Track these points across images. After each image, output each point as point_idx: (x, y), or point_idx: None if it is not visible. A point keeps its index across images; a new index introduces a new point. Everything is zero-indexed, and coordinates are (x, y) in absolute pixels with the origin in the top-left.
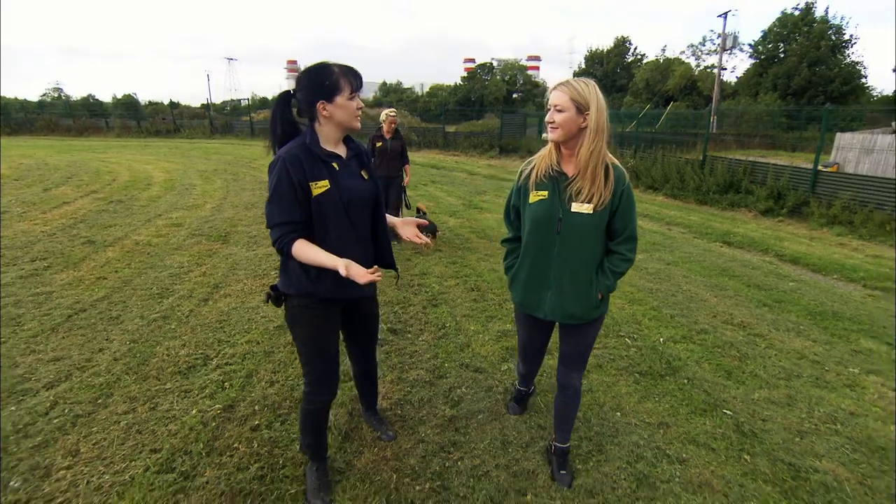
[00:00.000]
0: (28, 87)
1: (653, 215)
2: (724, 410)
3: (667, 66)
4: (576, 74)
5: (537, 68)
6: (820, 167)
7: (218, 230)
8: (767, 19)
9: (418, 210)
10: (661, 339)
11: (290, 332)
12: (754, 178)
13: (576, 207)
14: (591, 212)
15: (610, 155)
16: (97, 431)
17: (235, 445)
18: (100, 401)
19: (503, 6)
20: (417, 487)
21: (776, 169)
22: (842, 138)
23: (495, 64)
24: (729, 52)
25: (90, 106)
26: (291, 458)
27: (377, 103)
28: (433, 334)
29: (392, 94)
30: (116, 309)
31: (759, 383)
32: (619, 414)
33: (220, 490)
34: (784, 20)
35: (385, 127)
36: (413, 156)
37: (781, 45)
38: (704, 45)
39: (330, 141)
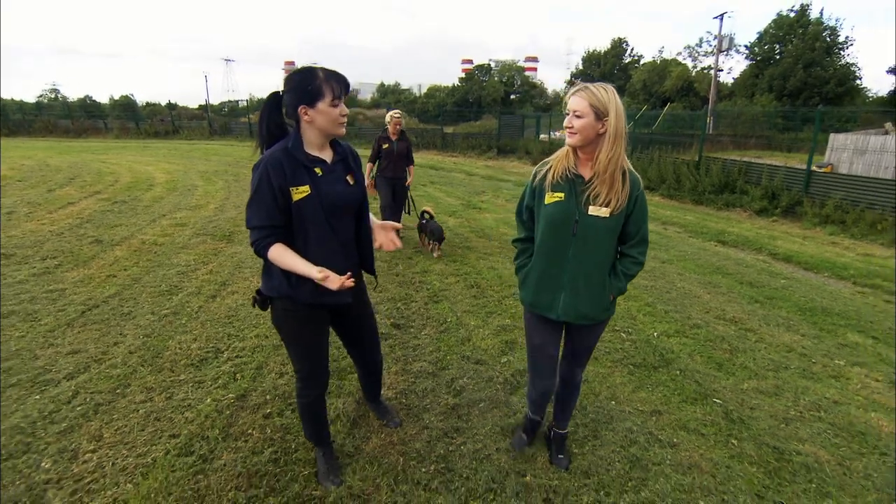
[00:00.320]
0: (24, 88)
1: (649, 215)
2: (715, 399)
3: (664, 68)
4: (573, 75)
5: (535, 69)
6: (814, 167)
7: (222, 230)
8: (763, 21)
9: (424, 213)
10: (655, 334)
11: (278, 332)
12: (749, 178)
13: (593, 211)
14: (608, 215)
15: (626, 159)
16: (118, 418)
17: (249, 431)
18: (118, 390)
19: (501, 6)
20: (423, 469)
21: (770, 169)
22: (836, 139)
23: (493, 65)
24: (725, 53)
25: (88, 107)
26: (303, 443)
27: (375, 104)
28: (435, 329)
29: (390, 94)
30: (128, 305)
31: (748, 374)
32: (613, 402)
33: (237, 471)
34: (779, 22)
35: (391, 128)
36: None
37: (777, 46)
38: (701, 47)
39: (314, 145)
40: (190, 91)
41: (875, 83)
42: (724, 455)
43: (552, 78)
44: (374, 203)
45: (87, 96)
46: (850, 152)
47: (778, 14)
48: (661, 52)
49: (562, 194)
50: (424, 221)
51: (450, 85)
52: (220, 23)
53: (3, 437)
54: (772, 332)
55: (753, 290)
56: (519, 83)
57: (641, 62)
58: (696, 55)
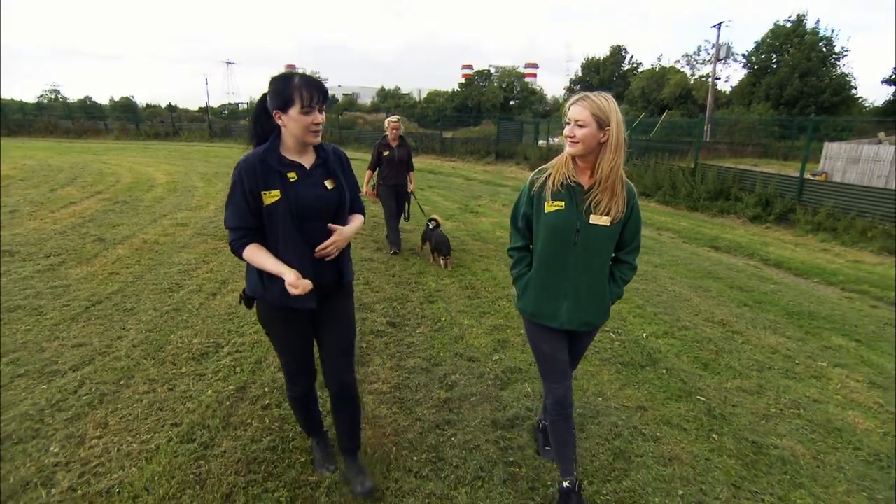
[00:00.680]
0: (25, 88)
1: (644, 221)
2: (698, 397)
3: (662, 75)
4: (572, 82)
5: (535, 76)
6: (809, 175)
7: (222, 230)
8: (760, 30)
9: (432, 220)
10: (644, 335)
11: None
12: (743, 185)
13: (594, 220)
14: (609, 224)
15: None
16: (122, 408)
17: (249, 421)
18: (122, 382)
19: (501, 11)
20: (415, 458)
21: (765, 177)
22: (830, 148)
23: (493, 71)
24: (723, 61)
25: (88, 108)
26: (300, 433)
27: (375, 108)
28: (429, 327)
29: (390, 99)
30: (130, 301)
31: (732, 374)
32: (600, 399)
33: (236, 458)
34: (776, 31)
35: (390, 135)
36: None
37: (774, 55)
38: (699, 55)
39: (291, 149)
40: (190, 93)
41: (871, 93)
42: (705, 448)
43: (551, 84)
44: (374, 208)
45: (87, 97)
46: (844, 161)
47: (775, 24)
48: (659, 59)
49: (562, 203)
50: (431, 228)
51: (450, 90)
52: (221, 25)
53: (13, 423)
54: (758, 334)
55: (743, 294)
56: (518, 89)
57: (640, 69)
58: (695, 63)
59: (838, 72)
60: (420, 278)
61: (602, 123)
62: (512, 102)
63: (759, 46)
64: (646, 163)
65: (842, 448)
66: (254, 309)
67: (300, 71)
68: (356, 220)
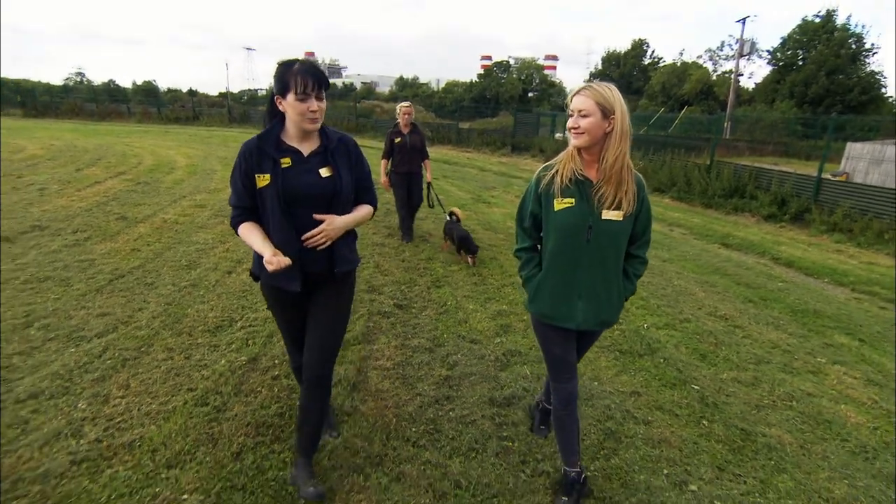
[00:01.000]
0: (52, 71)
1: (656, 216)
2: (693, 385)
3: (684, 70)
4: (592, 76)
5: (554, 68)
6: (829, 176)
7: None
8: (787, 26)
9: (451, 214)
10: (645, 325)
11: None
12: (759, 183)
13: (606, 215)
14: (621, 218)
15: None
16: (143, 372)
17: (259, 389)
18: (143, 349)
19: (523, 3)
20: (413, 429)
21: (781, 175)
22: (852, 148)
23: (512, 62)
24: (747, 57)
25: (111, 91)
26: None
27: (392, 97)
28: (435, 311)
29: (408, 88)
30: (151, 276)
31: (729, 366)
32: (596, 383)
33: (246, 421)
34: (805, 27)
35: (401, 121)
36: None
37: (801, 52)
38: (722, 50)
39: (292, 135)
40: (210, 78)
41: None
42: (694, 433)
43: (571, 77)
44: (387, 196)
45: (110, 80)
46: (867, 162)
47: (803, 19)
48: (681, 54)
49: (572, 200)
50: (453, 220)
51: (468, 81)
52: (242, 12)
53: (46, 380)
54: (760, 329)
55: (749, 290)
56: (537, 81)
57: (661, 64)
58: (717, 59)
59: (868, 70)
60: (429, 264)
61: (607, 112)
62: (530, 94)
63: (785, 42)
64: (661, 158)
65: (829, 439)
66: None
67: (319, 59)
68: (360, 211)
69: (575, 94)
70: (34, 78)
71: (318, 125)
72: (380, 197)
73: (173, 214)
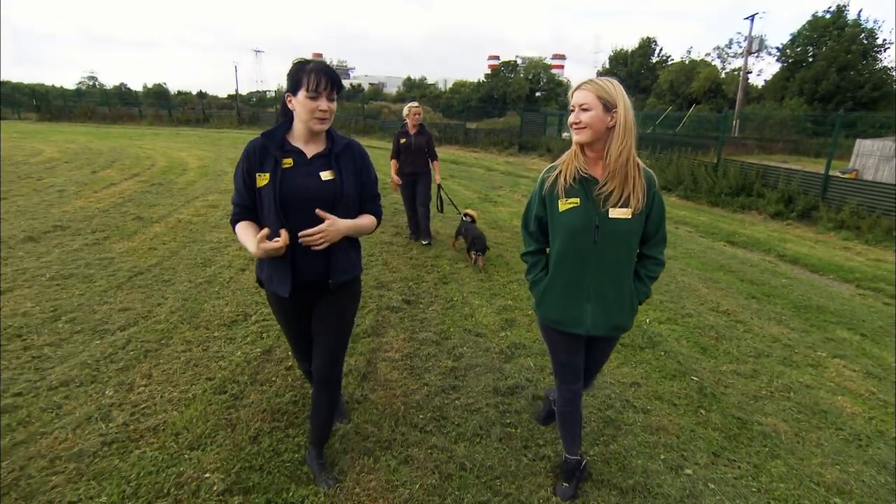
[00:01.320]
0: (65, 76)
1: None
2: (692, 377)
3: (692, 68)
4: (600, 74)
5: (562, 67)
6: (839, 173)
7: None
8: (796, 23)
9: (466, 215)
10: (648, 320)
11: None
12: (766, 181)
13: (613, 213)
14: (630, 216)
15: (636, 156)
16: (164, 363)
17: (273, 379)
18: (163, 341)
19: (530, 1)
20: (420, 416)
21: (788, 173)
22: (862, 145)
23: (519, 62)
24: (755, 55)
25: (123, 95)
26: None
27: (400, 98)
28: (442, 305)
29: (415, 89)
30: (168, 274)
31: (729, 359)
32: (597, 374)
33: (262, 408)
34: (815, 23)
35: (409, 122)
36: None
37: (810, 48)
38: (731, 48)
39: (298, 135)
40: (220, 81)
41: None
42: (691, 422)
43: (579, 76)
44: (395, 195)
45: (122, 84)
46: (877, 158)
47: (813, 15)
48: (689, 52)
49: (577, 199)
50: (468, 220)
51: (476, 81)
52: (250, 14)
53: (75, 369)
54: (761, 324)
55: (752, 287)
56: (545, 81)
57: (669, 62)
58: (726, 56)
59: (880, 65)
60: (436, 261)
61: (608, 106)
62: (538, 94)
63: (794, 39)
64: (668, 156)
65: (824, 428)
66: None
67: (327, 60)
68: (363, 219)
69: (576, 90)
70: (48, 83)
71: (326, 126)
72: (388, 196)
73: (187, 214)
